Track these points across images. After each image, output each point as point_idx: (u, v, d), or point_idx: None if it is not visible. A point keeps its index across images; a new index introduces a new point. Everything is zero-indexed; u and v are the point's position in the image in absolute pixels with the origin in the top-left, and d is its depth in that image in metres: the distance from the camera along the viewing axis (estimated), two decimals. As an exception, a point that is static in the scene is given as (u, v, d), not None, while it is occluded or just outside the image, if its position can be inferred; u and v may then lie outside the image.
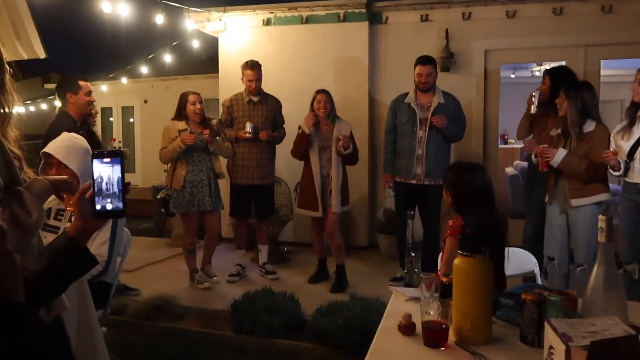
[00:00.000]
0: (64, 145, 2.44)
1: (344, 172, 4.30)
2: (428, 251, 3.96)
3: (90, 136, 3.55)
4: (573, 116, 3.23)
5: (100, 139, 4.36)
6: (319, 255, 4.53)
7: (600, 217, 1.40)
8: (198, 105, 4.22)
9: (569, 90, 3.29)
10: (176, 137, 4.16)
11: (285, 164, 5.31)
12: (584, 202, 3.24)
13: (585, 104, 3.22)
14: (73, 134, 2.58)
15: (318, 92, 4.30)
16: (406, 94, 4.33)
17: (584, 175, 3.21)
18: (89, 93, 3.83)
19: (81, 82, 3.79)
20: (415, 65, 4.24)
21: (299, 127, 4.33)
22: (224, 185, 4.68)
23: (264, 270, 4.65)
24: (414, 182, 4.21)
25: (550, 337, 1.11)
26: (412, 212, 2.17)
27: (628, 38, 4.99)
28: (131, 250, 3.87)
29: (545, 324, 1.15)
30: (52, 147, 2.39)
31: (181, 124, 4.23)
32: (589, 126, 3.23)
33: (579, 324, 1.12)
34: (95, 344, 2.41)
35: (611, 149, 3.13)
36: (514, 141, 8.29)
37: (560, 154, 3.24)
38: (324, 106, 4.21)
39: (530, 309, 1.42)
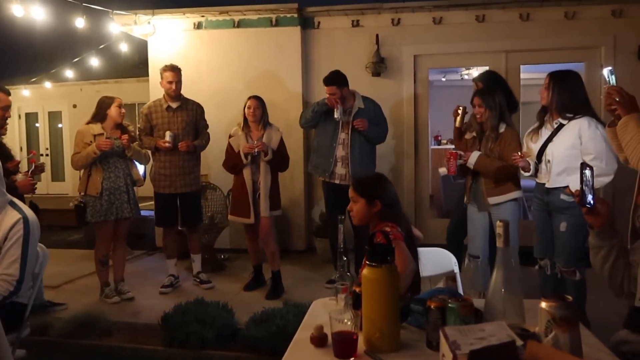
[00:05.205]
0: None
1: (274, 177, 4.29)
2: (361, 255, 4.02)
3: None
4: (493, 122, 3.43)
5: (25, 147, 4.16)
6: (253, 262, 4.50)
7: (498, 223, 1.48)
8: (123, 110, 4.11)
9: (486, 98, 3.45)
10: (91, 141, 3.99)
11: (219, 170, 5.23)
12: (500, 199, 3.43)
13: (502, 109, 3.43)
14: None
15: (250, 97, 4.29)
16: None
17: (496, 175, 3.40)
18: (7, 107, 3.63)
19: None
20: None
21: (230, 136, 4.30)
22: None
23: (198, 280, 4.56)
24: (337, 182, 4.28)
25: (443, 344, 1.16)
26: (343, 217, 2.21)
27: (544, 45, 5.30)
28: (59, 263, 3.71)
29: (440, 331, 1.20)
30: None
31: (97, 128, 4.05)
32: (500, 128, 3.45)
33: (470, 331, 1.17)
34: (7, 369, 2.27)
35: (524, 150, 3.31)
36: (447, 142, 8.58)
37: (473, 157, 3.44)
38: (253, 112, 4.20)
39: (434, 315, 1.47)
